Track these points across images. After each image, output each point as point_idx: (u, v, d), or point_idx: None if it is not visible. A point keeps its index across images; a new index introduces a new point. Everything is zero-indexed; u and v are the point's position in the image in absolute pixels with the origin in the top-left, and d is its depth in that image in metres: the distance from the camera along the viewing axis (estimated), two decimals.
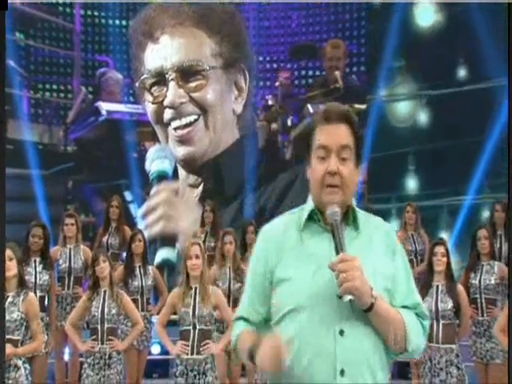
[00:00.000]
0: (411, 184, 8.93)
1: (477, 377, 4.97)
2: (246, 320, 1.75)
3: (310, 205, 1.72)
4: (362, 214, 1.73)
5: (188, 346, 4.16)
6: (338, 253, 1.62)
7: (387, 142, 8.36)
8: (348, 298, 1.60)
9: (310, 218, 1.71)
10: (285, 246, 1.69)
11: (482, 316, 4.98)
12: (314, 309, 1.63)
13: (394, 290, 1.70)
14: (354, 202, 1.72)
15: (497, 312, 4.89)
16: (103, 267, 4.44)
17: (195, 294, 4.23)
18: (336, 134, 1.67)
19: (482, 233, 5.01)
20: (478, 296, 4.98)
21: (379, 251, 1.70)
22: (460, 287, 4.55)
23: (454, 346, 4.38)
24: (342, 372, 1.61)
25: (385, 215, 8.67)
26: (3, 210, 2.93)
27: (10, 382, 3.74)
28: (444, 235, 8.10)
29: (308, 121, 8.64)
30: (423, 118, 8.96)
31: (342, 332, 1.62)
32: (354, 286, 1.58)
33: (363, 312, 1.62)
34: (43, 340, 4.15)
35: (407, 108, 9.01)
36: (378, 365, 1.65)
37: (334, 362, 1.61)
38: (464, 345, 4.84)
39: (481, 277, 4.99)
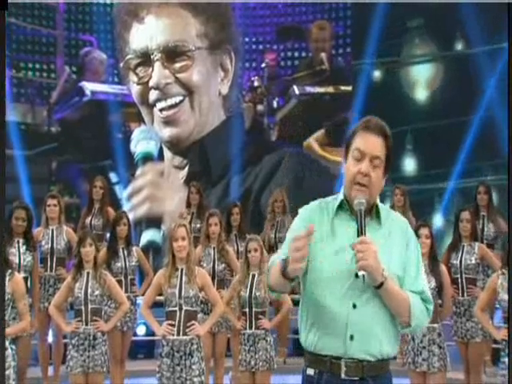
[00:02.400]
0: (409, 165, 8.77)
1: (458, 356, 5.05)
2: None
3: (340, 196, 2.05)
4: (384, 210, 2.06)
5: (174, 326, 4.17)
6: (359, 236, 1.94)
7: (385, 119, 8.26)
8: (362, 273, 1.90)
9: (341, 206, 2.03)
10: (319, 225, 2.00)
11: (463, 296, 5.04)
12: (334, 284, 1.96)
13: (404, 277, 2.01)
14: (378, 201, 2.05)
15: (477, 292, 4.95)
16: (89, 251, 4.42)
17: (181, 275, 4.23)
18: (373, 144, 1.99)
19: (465, 215, 5.06)
20: (458, 276, 5.04)
21: (396, 243, 2.02)
22: (443, 267, 4.60)
23: (436, 325, 4.44)
24: (352, 337, 1.95)
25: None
26: (2, 193, 2.88)
27: None
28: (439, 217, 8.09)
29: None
30: (419, 93, 8.76)
31: (354, 305, 1.96)
32: (369, 264, 1.89)
33: (375, 290, 1.94)
34: (29, 322, 4.14)
35: (400, 80, 8.85)
36: (384, 334, 1.99)
37: (346, 329, 1.95)
38: (446, 324, 4.92)
39: (462, 257, 5.05)
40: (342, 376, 1.95)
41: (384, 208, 2.07)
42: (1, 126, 2.98)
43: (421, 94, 8.85)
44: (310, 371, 2.01)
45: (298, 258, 1.86)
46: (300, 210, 2.11)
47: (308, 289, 2.01)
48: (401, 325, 2.01)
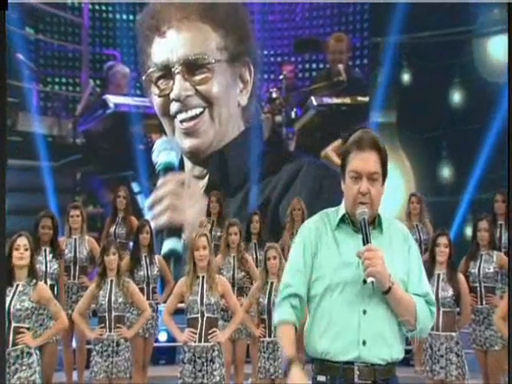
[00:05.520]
0: (445, 173, 8.54)
1: (476, 364, 5.06)
2: (294, 296, 2.09)
3: (342, 210, 2.10)
4: (386, 220, 2.11)
5: (195, 333, 4.24)
6: (364, 244, 1.99)
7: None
8: (371, 279, 1.96)
9: (342, 220, 2.09)
10: (321, 240, 2.08)
11: (481, 304, 5.05)
12: (343, 292, 2.02)
13: (408, 281, 2.08)
14: (380, 211, 2.10)
15: (496, 300, 4.97)
16: (112, 260, 4.53)
17: (202, 282, 4.31)
18: (367, 162, 2.03)
19: (483, 224, 5.08)
20: (477, 284, 5.05)
21: (398, 249, 2.09)
22: (460, 275, 4.63)
23: (453, 334, 4.46)
24: (364, 342, 2.01)
25: None
26: (3, 204, 2.94)
27: (24, 368, 3.84)
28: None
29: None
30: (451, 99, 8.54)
31: (364, 311, 2.02)
32: (377, 271, 1.96)
33: (382, 295, 2.01)
34: (66, 318, 4.21)
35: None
36: (393, 339, 2.05)
37: (358, 334, 2.01)
38: (464, 332, 4.93)
39: (480, 265, 5.06)
40: (356, 380, 1.99)
41: (385, 218, 2.12)
42: (2, 132, 3.03)
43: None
44: (322, 378, 2.04)
45: None
46: (300, 229, 2.15)
47: (316, 299, 2.06)
48: (406, 328, 2.07)
